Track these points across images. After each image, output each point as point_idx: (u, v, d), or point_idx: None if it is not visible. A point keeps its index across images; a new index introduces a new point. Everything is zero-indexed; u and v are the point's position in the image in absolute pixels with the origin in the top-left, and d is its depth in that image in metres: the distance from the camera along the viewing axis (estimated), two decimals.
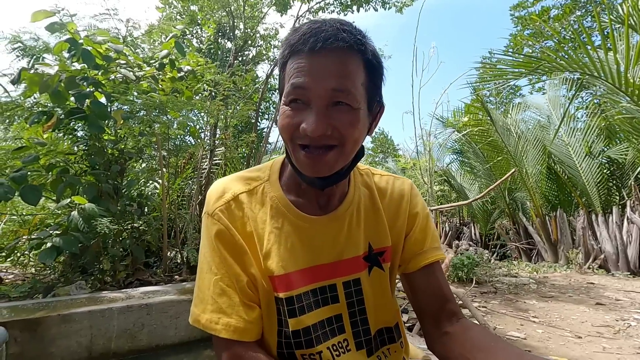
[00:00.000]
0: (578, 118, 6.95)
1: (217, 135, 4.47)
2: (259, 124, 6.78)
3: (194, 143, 4.28)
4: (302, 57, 0.59)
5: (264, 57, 7.47)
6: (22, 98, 2.79)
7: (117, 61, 2.87)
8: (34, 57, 3.08)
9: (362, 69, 0.60)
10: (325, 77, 0.57)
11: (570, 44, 4.39)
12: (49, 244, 2.23)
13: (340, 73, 0.58)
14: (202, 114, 4.19)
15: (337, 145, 0.60)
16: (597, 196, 5.66)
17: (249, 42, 6.84)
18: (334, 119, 0.59)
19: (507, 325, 2.63)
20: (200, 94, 3.95)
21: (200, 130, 4.41)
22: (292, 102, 0.61)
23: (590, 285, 4.14)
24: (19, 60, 3.14)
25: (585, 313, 2.99)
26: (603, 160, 6.02)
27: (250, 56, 7.42)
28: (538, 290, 3.86)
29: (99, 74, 2.79)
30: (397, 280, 0.88)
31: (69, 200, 2.45)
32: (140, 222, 3.00)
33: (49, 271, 2.80)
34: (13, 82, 2.57)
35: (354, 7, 6.88)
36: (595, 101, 7.02)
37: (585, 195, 5.87)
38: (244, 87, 4.97)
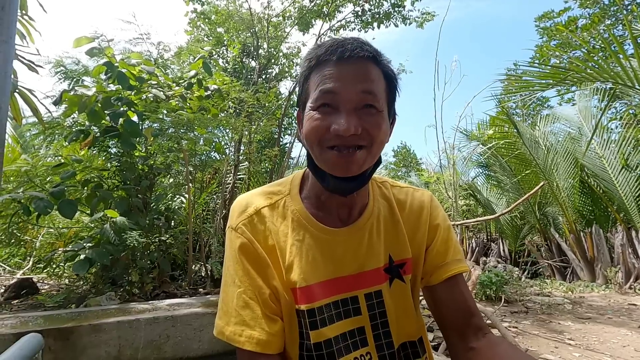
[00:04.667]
0: (612, 129, 6.65)
1: (241, 151, 4.58)
2: (281, 139, 6.91)
3: (219, 158, 4.40)
4: (330, 66, 0.63)
5: (287, 74, 7.67)
6: (62, 118, 2.98)
7: (149, 82, 3.04)
8: (74, 79, 3.31)
9: (382, 78, 0.66)
10: (354, 81, 0.62)
11: (600, 54, 4.25)
12: (82, 256, 2.33)
13: (367, 78, 0.63)
14: (227, 130, 4.33)
15: (366, 146, 0.63)
16: (636, 211, 5.34)
17: (273, 60, 7.05)
18: (363, 120, 0.62)
19: (540, 347, 2.49)
20: (225, 111, 4.09)
21: (225, 146, 4.54)
22: (320, 107, 0.64)
23: (632, 306, 3.86)
24: (61, 82, 3.38)
25: (627, 337, 2.79)
26: None
27: (274, 74, 7.64)
28: (574, 310, 3.64)
29: (132, 94, 2.94)
30: (420, 297, 0.86)
31: (101, 214, 2.56)
32: (167, 236, 3.08)
33: (82, 282, 2.91)
34: (55, 103, 2.76)
35: (375, 24, 6.97)
36: (631, 111, 6.68)
37: (624, 211, 5.54)
38: (267, 104, 5.09)
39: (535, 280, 5.84)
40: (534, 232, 7.20)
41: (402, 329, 0.74)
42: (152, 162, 3.13)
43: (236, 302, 0.66)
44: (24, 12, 2.17)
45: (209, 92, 3.53)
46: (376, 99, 0.63)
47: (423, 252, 0.78)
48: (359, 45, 0.63)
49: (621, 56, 3.40)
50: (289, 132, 9.17)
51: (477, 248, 7.63)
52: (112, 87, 2.95)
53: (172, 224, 3.45)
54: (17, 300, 2.68)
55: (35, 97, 2.19)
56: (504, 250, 7.67)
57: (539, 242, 6.82)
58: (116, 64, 2.82)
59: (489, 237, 8.48)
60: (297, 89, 0.76)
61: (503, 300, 3.69)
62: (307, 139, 0.66)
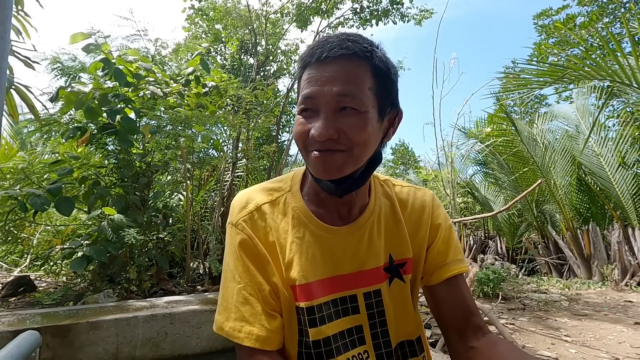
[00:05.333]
0: (609, 127, 6.66)
1: (239, 148, 4.57)
2: (279, 136, 6.90)
3: (217, 156, 4.39)
4: (311, 69, 0.62)
5: (285, 71, 7.65)
6: (59, 114, 2.96)
7: (146, 79, 3.02)
8: (71, 76, 3.29)
9: (369, 74, 0.62)
10: (330, 83, 0.60)
11: (598, 52, 4.26)
12: (80, 254, 2.33)
13: (345, 78, 0.60)
14: (225, 127, 4.31)
15: (345, 150, 0.62)
16: (633, 209, 5.36)
17: (271, 57, 7.02)
18: (341, 123, 0.60)
19: (537, 344, 2.51)
20: (223, 109, 4.07)
21: (223, 143, 4.53)
22: (303, 112, 0.64)
23: (628, 303, 3.89)
24: (58, 79, 3.36)
25: (623, 333, 2.81)
26: (638, 171, 5.72)
27: (272, 71, 7.61)
28: (570, 307, 3.66)
29: (130, 91, 2.93)
30: (420, 294, 0.86)
31: (99, 211, 2.56)
32: (165, 233, 3.08)
33: (79, 280, 2.91)
34: (51, 100, 2.75)
35: (373, 21, 6.95)
36: (628, 109, 6.70)
37: (620, 208, 5.57)
38: (265, 101, 5.08)
39: (532, 278, 5.87)
40: (531, 229, 7.23)
41: (400, 328, 0.74)
42: (150, 160, 3.12)
43: (236, 298, 0.66)
44: (19, 7, 2.14)
45: (207, 89, 3.51)
46: (355, 100, 0.60)
47: (424, 252, 0.77)
48: (339, 44, 0.60)
49: (619, 54, 3.40)
50: (287, 129, 9.15)
51: (475, 245, 7.66)
52: (109, 83, 2.93)
53: (170, 221, 3.44)
54: (14, 298, 2.68)
55: (32, 93, 2.18)
56: (501, 248, 7.70)
57: (536, 239, 6.85)
58: (113, 61, 2.80)
59: (486, 234, 8.51)
60: (295, 86, 0.76)
61: (500, 298, 3.71)
62: (295, 143, 0.66)
